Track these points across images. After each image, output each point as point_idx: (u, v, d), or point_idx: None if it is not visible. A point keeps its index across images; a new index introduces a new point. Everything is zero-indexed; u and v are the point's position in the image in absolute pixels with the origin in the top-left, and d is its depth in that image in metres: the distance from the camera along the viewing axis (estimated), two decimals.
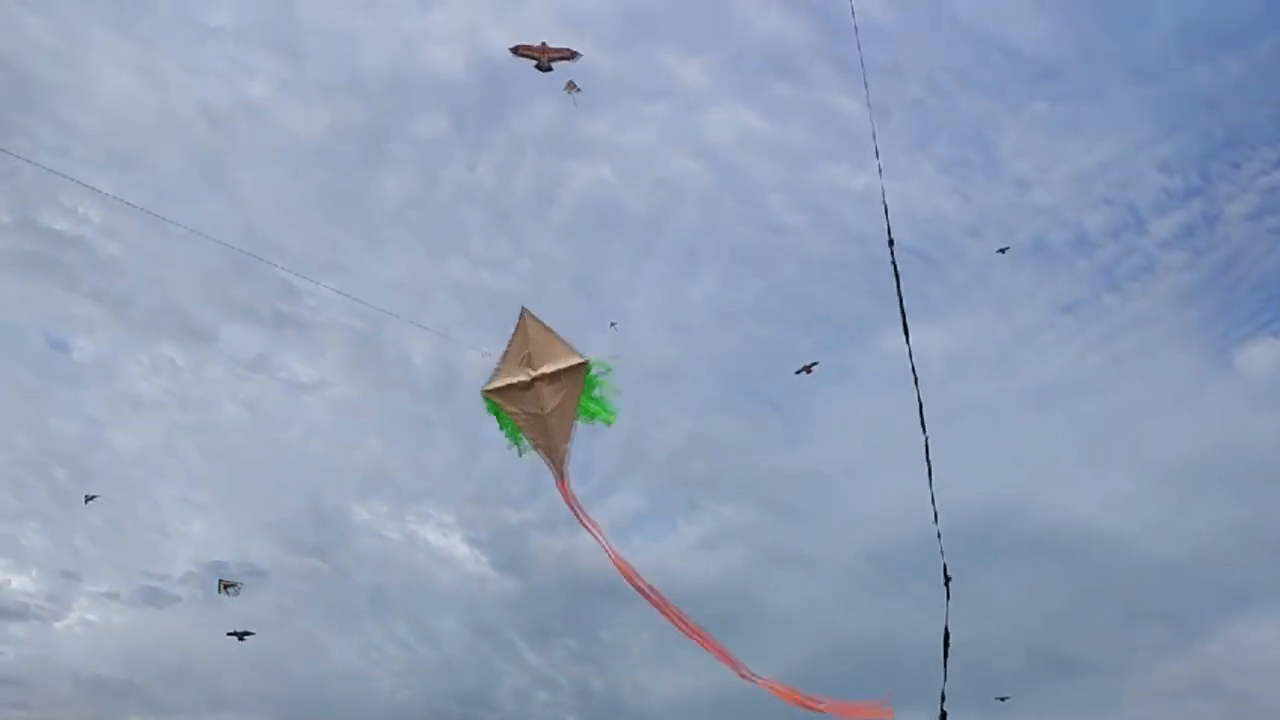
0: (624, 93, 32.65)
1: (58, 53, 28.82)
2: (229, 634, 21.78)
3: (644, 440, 32.88)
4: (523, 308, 8.42)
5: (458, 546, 33.35)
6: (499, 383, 8.34)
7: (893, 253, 8.70)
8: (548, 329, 8.40)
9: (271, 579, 29.40)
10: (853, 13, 8.86)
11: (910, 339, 8.77)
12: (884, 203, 8.77)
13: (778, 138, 33.02)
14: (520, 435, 8.40)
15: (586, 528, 8.11)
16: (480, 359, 8.01)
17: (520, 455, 8.46)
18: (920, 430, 8.35)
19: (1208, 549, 29.29)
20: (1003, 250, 29.20)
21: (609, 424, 8.30)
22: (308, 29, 32.11)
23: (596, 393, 8.31)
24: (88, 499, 23.81)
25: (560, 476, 8.33)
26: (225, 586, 22.23)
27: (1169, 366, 32.68)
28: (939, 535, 8.13)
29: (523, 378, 8.25)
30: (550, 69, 17.50)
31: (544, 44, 17.27)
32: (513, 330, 8.32)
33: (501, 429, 8.42)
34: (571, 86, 22.57)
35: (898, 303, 8.77)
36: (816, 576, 32.80)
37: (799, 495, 33.75)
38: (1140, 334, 33.08)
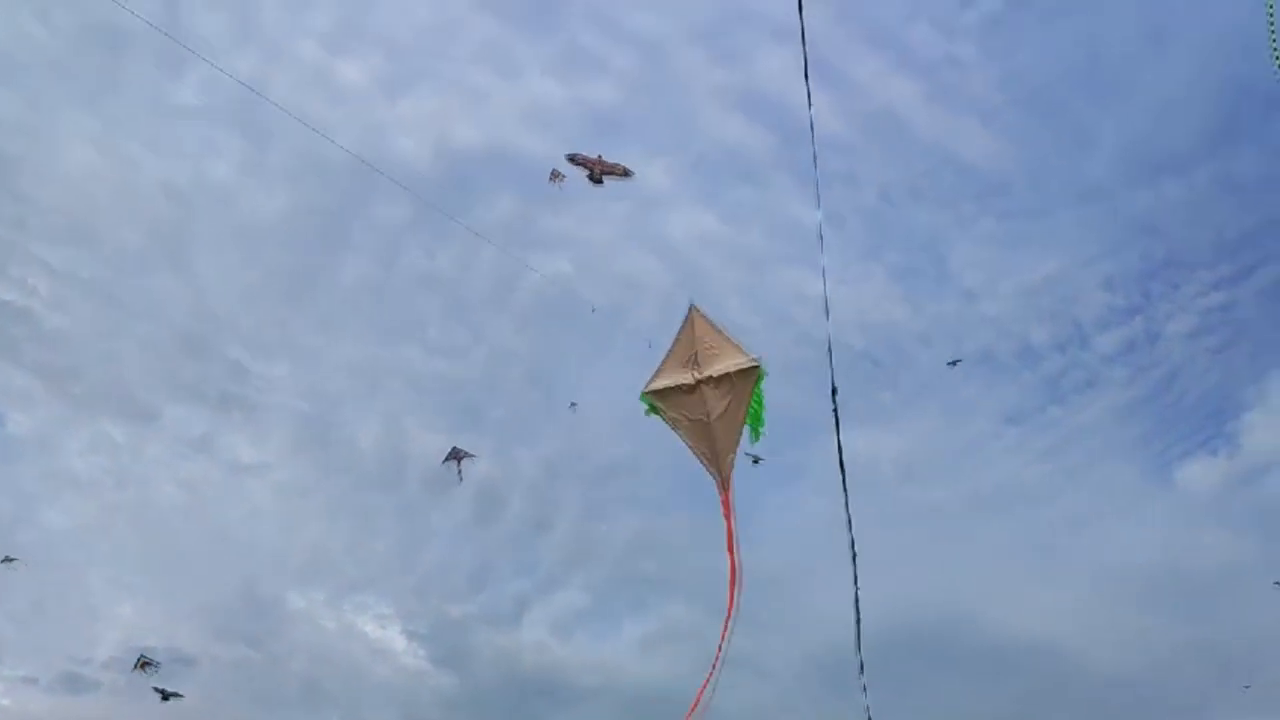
0: (587, 189, 32.84)
1: (22, 125, 28.20)
2: (155, 689, 20.51)
3: (592, 537, 32.20)
4: (691, 303, 8.03)
5: (396, 639, 31.95)
6: (660, 383, 7.88)
7: (834, 388, 8.45)
8: (717, 328, 8.01)
9: (200, 666, 27.54)
10: (811, 126, 8.95)
11: (843, 453, 8.51)
12: (829, 339, 8.55)
13: (736, 240, 33.57)
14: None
15: (733, 549, 7.62)
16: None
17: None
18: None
19: (1155, 664, 29.55)
20: (954, 363, 29.80)
21: (756, 438, 7.89)
22: (275, 112, 31.74)
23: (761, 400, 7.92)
24: (6, 559, 22.31)
25: (724, 486, 7.84)
26: (143, 664, 21.11)
27: (1112, 480, 33.46)
28: (858, 645, 7.85)
29: (688, 379, 7.82)
30: (601, 181, 17.56)
31: (600, 156, 17.35)
32: (680, 329, 7.89)
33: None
34: (557, 175, 22.66)
35: (843, 412, 8.54)
36: (764, 680, 32.04)
37: (748, 597, 33.04)
38: (1084, 447, 33.92)
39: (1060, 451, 33.97)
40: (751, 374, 8.05)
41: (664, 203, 34.86)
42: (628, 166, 19.02)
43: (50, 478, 30.11)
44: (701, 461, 7.97)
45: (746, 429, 7.88)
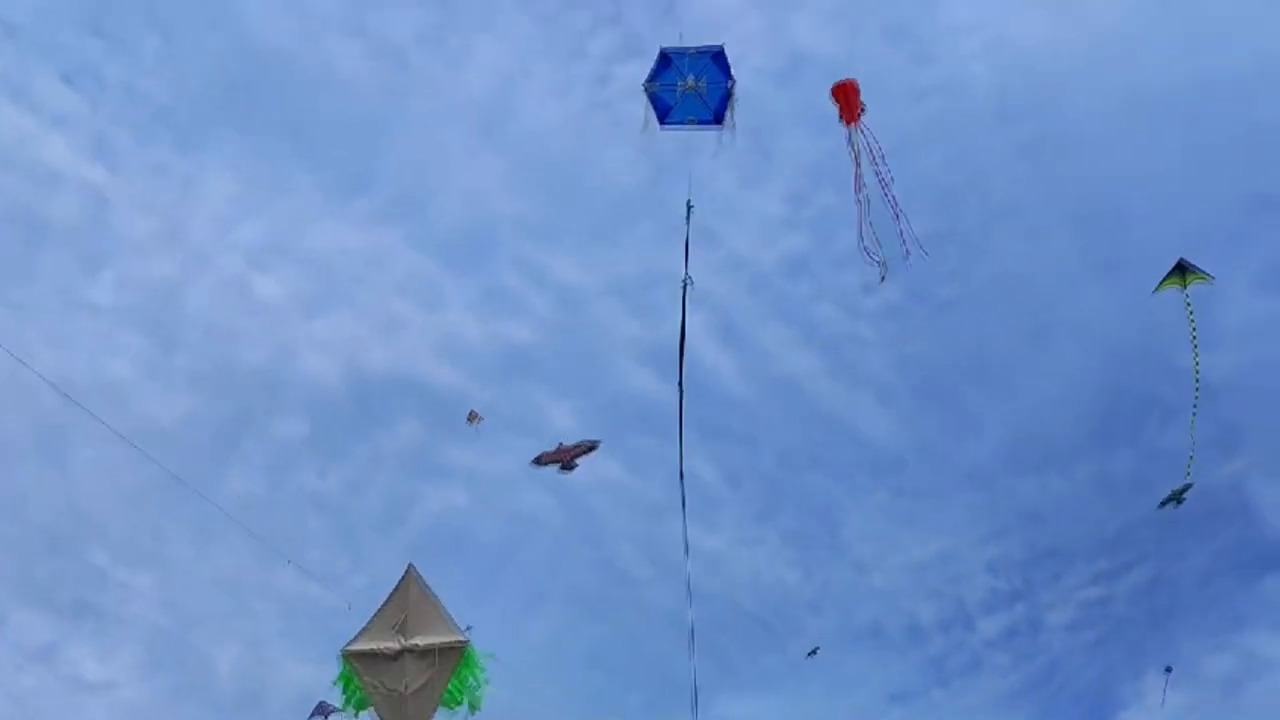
0: (493, 424, 33.13)
1: None
2: None
3: None
4: (410, 565, 7.86)
5: None
6: (364, 645, 7.54)
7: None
8: (432, 596, 7.79)
9: None
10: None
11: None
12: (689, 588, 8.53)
13: (635, 489, 33.60)
14: (365, 706, 7.51)
15: None
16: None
17: None
18: None
19: None
20: (812, 652, 29.69)
21: (474, 711, 7.56)
22: (188, 318, 32.19)
23: (470, 679, 7.60)
24: None
25: None
26: None
27: None
28: None
29: (392, 645, 7.51)
30: (574, 467, 17.76)
31: (560, 444, 17.60)
32: (394, 588, 7.68)
33: (344, 695, 7.49)
34: (474, 415, 22.88)
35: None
36: None
37: None
38: None
39: None
40: (457, 651, 7.78)
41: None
42: (591, 441, 19.14)
43: None
44: None
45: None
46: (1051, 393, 31.72)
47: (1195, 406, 19.56)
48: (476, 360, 33.09)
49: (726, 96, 12.57)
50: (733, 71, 12.58)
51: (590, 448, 18.05)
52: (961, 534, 33.01)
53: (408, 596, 7.65)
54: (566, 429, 34.22)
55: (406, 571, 7.71)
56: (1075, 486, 32.02)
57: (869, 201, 13.06)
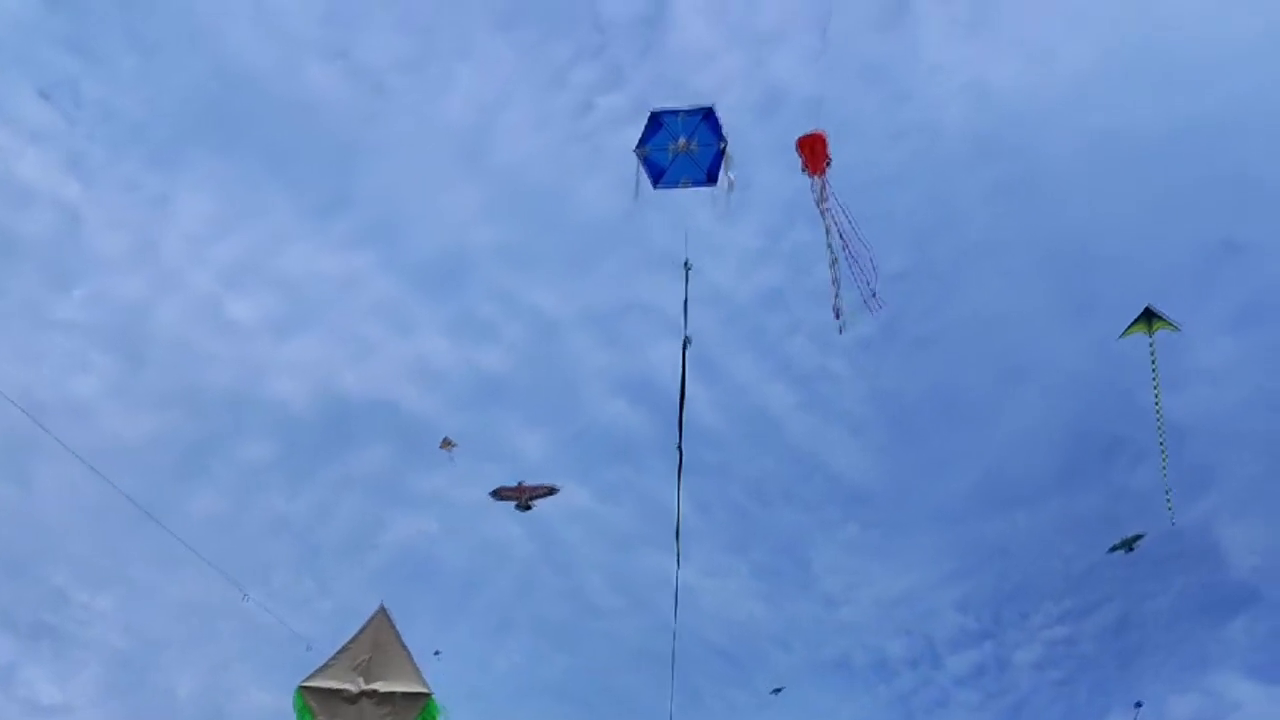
0: (464, 452, 32.95)
1: None
2: None
3: None
4: (382, 605, 7.70)
5: None
6: (322, 682, 7.37)
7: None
8: (400, 641, 7.65)
9: None
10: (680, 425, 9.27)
11: None
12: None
13: (605, 519, 33.51)
14: None
15: None
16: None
17: None
18: None
19: None
20: (776, 691, 29.62)
21: None
22: (157, 337, 31.93)
23: None
24: None
25: None
26: None
27: None
28: None
29: (350, 687, 7.33)
30: (530, 507, 17.73)
31: (521, 483, 17.59)
32: (362, 626, 7.53)
33: None
34: (447, 443, 22.75)
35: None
36: None
37: None
38: None
39: None
40: (418, 703, 7.61)
41: (538, 473, 34.95)
42: (551, 486, 19.19)
43: None
44: None
45: None
46: (1021, 432, 31.98)
47: (1163, 447, 19.69)
48: (448, 387, 33.01)
49: (719, 156, 12.55)
50: (724, 131, 12.51)
51: (549, 491, 18.13)
52: (931, 570, 33.13)
53: (376, 637, 7.48)
54: (537, 458, 34.17)
55: (377, 611, 7.53)
56: (1043, 525, 32.23)
57: (841, 250, 13.10)
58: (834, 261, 12.58)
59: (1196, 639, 30.71)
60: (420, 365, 32.49)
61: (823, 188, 13.04)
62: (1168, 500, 20.86)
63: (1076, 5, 29.03)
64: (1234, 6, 27.36)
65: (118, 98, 31.25)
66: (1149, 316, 19.17)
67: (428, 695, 7.47)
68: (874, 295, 12.87)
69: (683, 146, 12.31)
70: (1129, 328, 19.35)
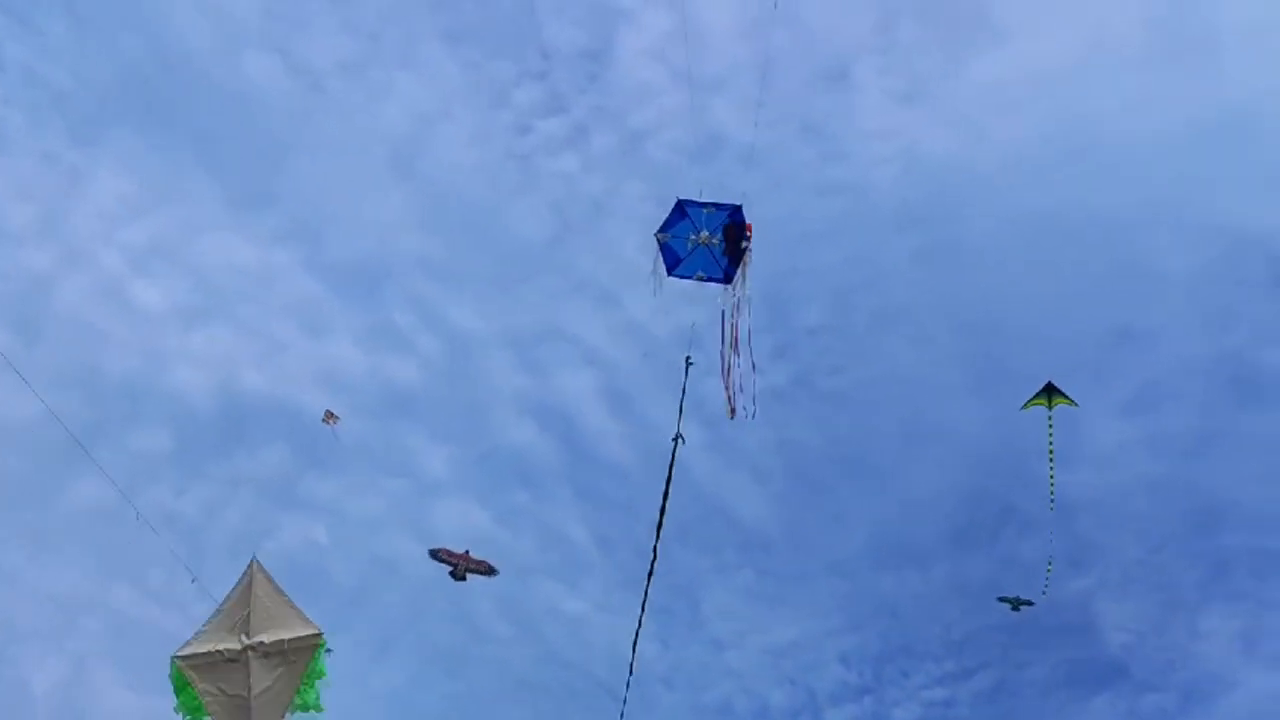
0: (364, 461, 32.30)
1: None
2: None
3: None
4: (254, 557, 7.33)
5: None
6: (198, 648, 6.82)
7: None
8: (278, 590, 7.30)
9: None
10: None
11: None
12: None
13: (503, 543, 32.96)
14: (203, 716, 6.87)
15: None
16: None
17: None
18: None
19: None
20: None
21: (312, 711, 7.04)
22: (56, 314, 30.74)
23: (316, 678, 7.12)
24: None
25: None
26: None
27: None
28: None
29: (232, 645, 6.89)
30: (464, 579, 17.33)
31: (467, 552, 17.19)
32: (235, 584, 7.13)
33: (179, 709, 6.80)
34: (330, 416, 22.13)
35: None
36: None
37: None
38: None
39: None
40: (310, 645, 7.27)
41: (439, 491, 34.39)
42: (493, 564, 18.95)
43: None
44: None
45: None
46: (918, 493, 32.52)
47: (1052, 515, 20.32)
48: (355, 394, 32.27)
49: (740, 255, 12.36)
50: (749, 231, 12.35)
51: (489, 570, 17.93)
52: (819, 622, 33.29)
53: (251, 592, 7.06)
54: (439, 475, 33.65)
55: (249, 566, 7.15)
56: (931, 586, 32.73)
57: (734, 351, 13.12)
58: (727, 370, 12.63)
59: (1067, 711, 31.41)
60: (329, 369, 31.82)
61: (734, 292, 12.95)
62: (1048, 570, 21.58)
63: (1011, 91, 30.12)
64: (1158, 103, 28.72)
65: (43, 64, 30.34)
66: (1050, 391, 19.97)
67: (319, 635, 7.10)
68: (750, 407, 12.93)
69: (704, 239, 12.27)
70: (1030, 400, 20.11)
